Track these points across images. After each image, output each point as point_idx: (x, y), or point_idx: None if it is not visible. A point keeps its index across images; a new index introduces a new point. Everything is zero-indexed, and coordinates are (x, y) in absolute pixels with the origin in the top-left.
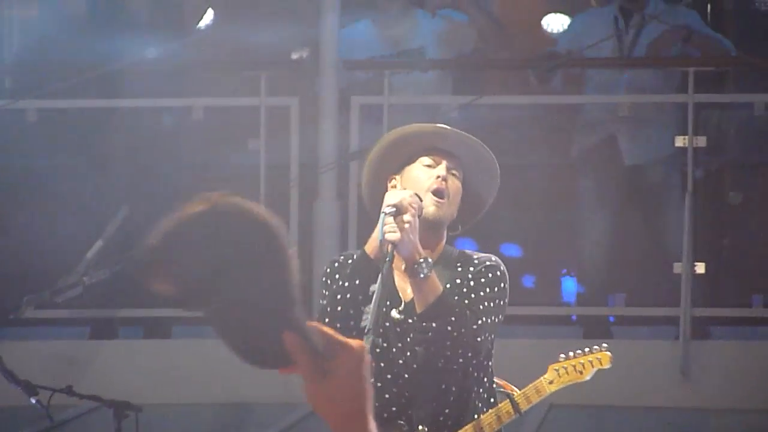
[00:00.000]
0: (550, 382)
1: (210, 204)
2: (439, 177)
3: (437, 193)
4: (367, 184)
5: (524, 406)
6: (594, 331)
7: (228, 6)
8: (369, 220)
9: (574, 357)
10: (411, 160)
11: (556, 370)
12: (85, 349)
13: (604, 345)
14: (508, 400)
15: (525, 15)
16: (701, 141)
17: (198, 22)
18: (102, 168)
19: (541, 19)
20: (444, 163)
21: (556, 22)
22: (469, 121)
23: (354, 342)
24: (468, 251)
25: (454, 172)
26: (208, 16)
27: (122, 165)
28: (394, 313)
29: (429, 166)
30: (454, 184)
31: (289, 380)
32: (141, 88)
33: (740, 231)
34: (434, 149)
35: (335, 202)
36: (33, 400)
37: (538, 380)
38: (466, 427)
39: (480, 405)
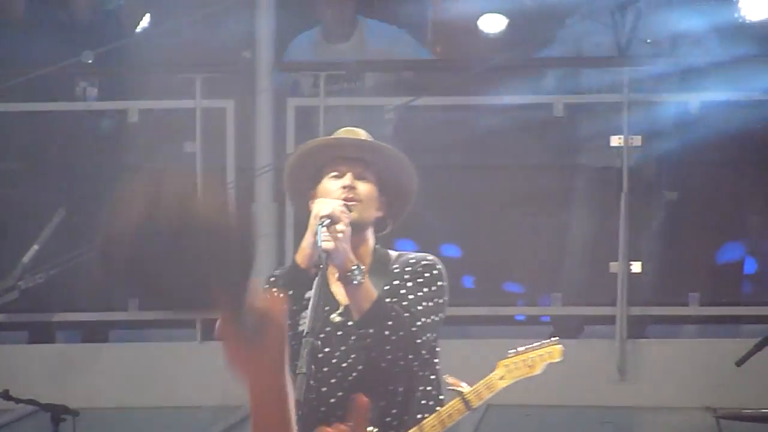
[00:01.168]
0: (501, 378)
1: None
2: (344, 187)
3: (345, 201)
4: (289, 198)
5: (475, 403)
6: (562, 331)
7: (164, 9)
8: (307, 222)
9: (524, 352)
10: (320, 174)
11: (506, 366)
12: (22, 353)
13: (554, 338)
14: (459, 397)
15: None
16: (636, 140)
17: (135, 26)
18: (37, 172)
19: (477, 20)
20: (349, 174)
21: (492, 23)
22: (406, 123)
23: (278, 318)
24: (404, 252)
25: (363, 176)
26: (145, 20)
27: (57, 168)
28: (334, 317)
29: (335, 177)
30: (365, 188)
31: (227, 384)
32: (77, 91)
33: (676, 230)
34: (339, 158)
35: (272, 204)
36: None
37: (489, 377)
38: (419, 425)
39: (428, 402)
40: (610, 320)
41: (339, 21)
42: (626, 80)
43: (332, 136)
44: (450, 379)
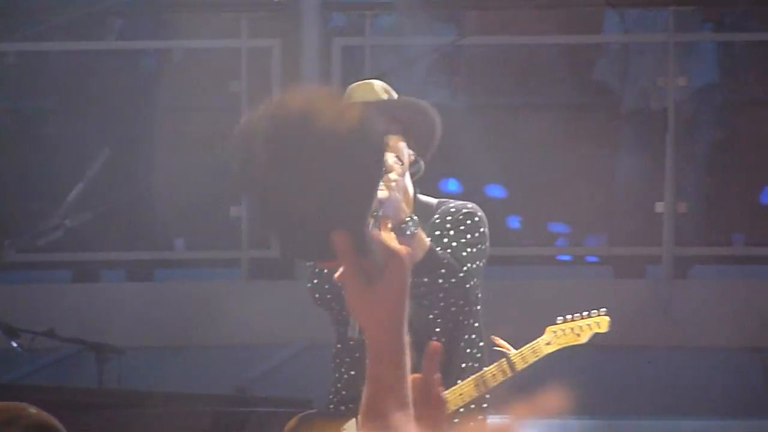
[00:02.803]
0: (547, 344)
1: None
2: None
3: None
4: None
5: (520, 366)
6: (623, 273)
7: None
8: None
9: (572, 320)
10: None
11: (554, 332)
12: (67, 292)
13: (603, 309)
14: (504, 359)
15: None
16: (682, 81)
17: None
18: (82, 111)
19: None
20: None
21: None
22: (452, 61)
23: (401, 249)
24: (444, 200)
25: (389, 131)
26: None
27: (102, 108)
28: None
29: None
30: (395, 147)
31: (273, 323)
32: (121, 30)
33: (721, 170)
34: None
35: None
36: (14, 344)
37: (535, 341)
38: (462, 383)
39: (471, 351)
40: (656, 260)
41: None
42: (672, 20)
43: (349, 98)
44: (497, 340)
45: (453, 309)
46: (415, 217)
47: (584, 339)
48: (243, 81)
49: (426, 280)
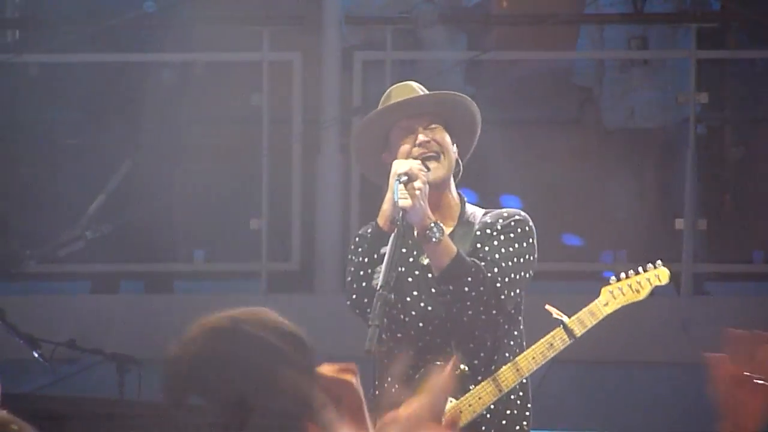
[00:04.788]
0: (605, 304)
1: (235, 324)
2: (419, 144)
3: (427, 159)
4: (360, 167)
5: (579, 332)
6: None
7: None
8: (375, 186)
9: (628, 277)
10: (389, 138)
11: (611, 291)
12: (86, 303)
13: (659, 261)
14: (561, 327)
15: None
16: (703, 97)
17: None
18: (104, 122)
19: None
20: (419, 129)
21: None
22: (472, 77)
23: (347, 377)
24: (491, 210)
25: (433, 126)
26: None
27: (124, 120)
28: (424, 260)
29: (406, 137)
30: (440, 137)
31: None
32: (144, 42)
33: (742, 186)
34: (404, 119)
35: (338, 156)
36: (35, 354)
37: (593, 303)
38: (518, 357)
39: (509, 357)
40: (675, 277)
41: None
42: (693, 36)
43: (389, 98)
44: (552, 309)
45: (483, 317)
46: (441, 224)
47: (644, 294)
48: (264, 94)
49: (451, 288)
